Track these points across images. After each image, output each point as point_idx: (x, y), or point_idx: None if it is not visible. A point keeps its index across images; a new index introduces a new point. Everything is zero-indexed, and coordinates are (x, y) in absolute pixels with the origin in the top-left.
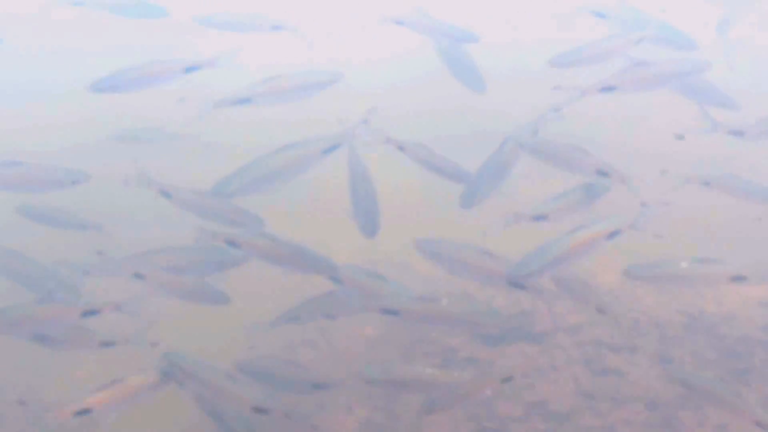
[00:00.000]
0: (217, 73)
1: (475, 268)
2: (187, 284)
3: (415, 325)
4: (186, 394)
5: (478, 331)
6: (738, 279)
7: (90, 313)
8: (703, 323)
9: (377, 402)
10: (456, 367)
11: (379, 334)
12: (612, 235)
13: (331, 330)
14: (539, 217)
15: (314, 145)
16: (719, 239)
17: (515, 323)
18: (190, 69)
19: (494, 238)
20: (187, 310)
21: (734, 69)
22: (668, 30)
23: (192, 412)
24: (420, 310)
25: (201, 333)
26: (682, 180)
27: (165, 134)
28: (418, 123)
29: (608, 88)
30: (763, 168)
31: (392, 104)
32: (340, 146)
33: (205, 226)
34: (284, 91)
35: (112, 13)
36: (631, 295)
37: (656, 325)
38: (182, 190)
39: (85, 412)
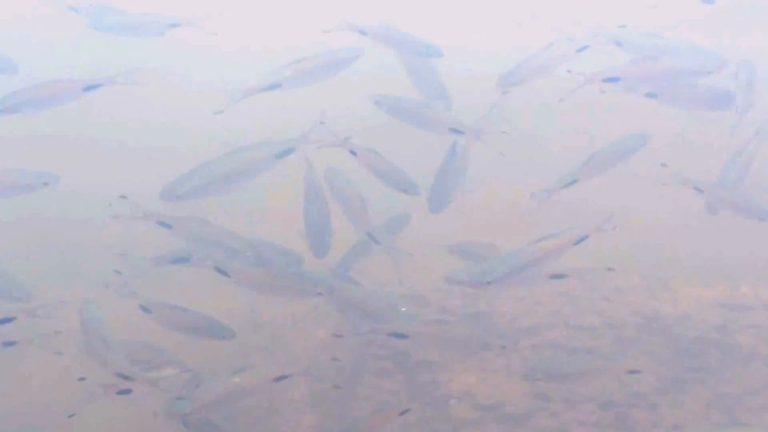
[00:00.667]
0: None
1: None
2: (193, 320)
3: (422, 347)
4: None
5: (485, 349)
6: (557, 277)
7: (4, 321)
8: (658, 324)
9: (329, 408)
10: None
11: (332, 338)
12: (579, 241)
13: (283, 335)
14: (570, 183)
15: (267, 150)
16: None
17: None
18: (89, 88)
19: None
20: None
21: None
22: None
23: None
24: (429, 333)
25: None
26: (679, 182)
27: None
28: (375, 126)
29: (612, 79)
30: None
31: (348, 106)
32: (293, 151)
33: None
34: (311, 72)
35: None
36: (588, 296)
37: (612, 326)
38: (182, 220)
39: (126, 392)
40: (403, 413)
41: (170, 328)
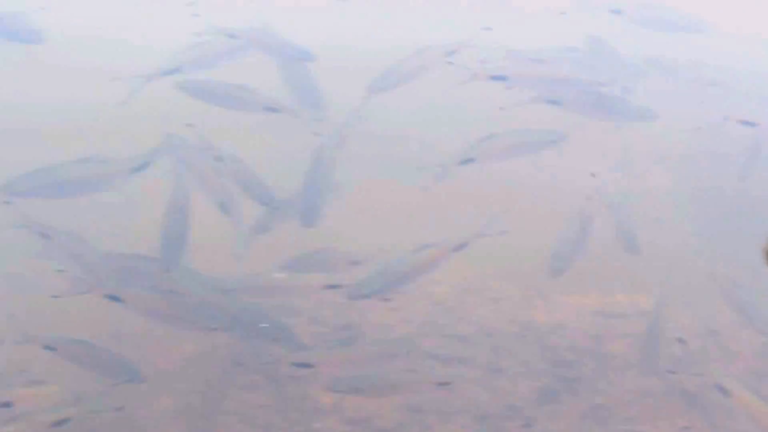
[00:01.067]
0: None
1: None
2: (100, 358)
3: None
4: None
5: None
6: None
7: None
8: (534, 333)
9: (196, 422)
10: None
11: (199, 350)
12: (459, 248)
13: (147, 347)
14: (467, 161)
15: (122, 163)
16: None
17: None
18: None
19: None
20: None
21: None
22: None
23: None
24: (336, 360)
25: None
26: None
27: None
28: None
29: (498, 77)
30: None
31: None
32: (150, 164)
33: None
34: (212, 56)
35: None
36: (464, 305)
37: (487, 335)
38: (61, 233)
39: None
40: None
41: (75, 364)
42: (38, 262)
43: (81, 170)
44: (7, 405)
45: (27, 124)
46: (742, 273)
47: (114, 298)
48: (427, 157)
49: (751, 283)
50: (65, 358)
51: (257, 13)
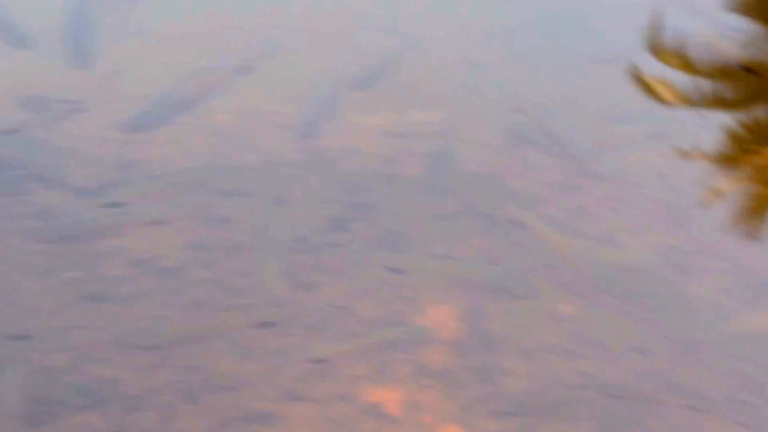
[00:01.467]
0: None
1: None
2: None
3: None
4: None
5: None
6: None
7: None
8: (320, 158)
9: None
10: None
11: None
12: (242, 71)
13: None
14: None
15: None
16: None
17: None
18: None
19: None
20: None
21: None
22: None
23: None
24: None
25: None
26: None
27: None
28: None
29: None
30: None
31: None
32: None
33: None
34: None
35: None
36: (247, 134)
37: (271, 164)
38: None
39: None
40: None
41: None
42: None
43: None
44: None
45: None
46: (541, 85)
47: None
48: None
49: (551, 102)
50: None
51: None
